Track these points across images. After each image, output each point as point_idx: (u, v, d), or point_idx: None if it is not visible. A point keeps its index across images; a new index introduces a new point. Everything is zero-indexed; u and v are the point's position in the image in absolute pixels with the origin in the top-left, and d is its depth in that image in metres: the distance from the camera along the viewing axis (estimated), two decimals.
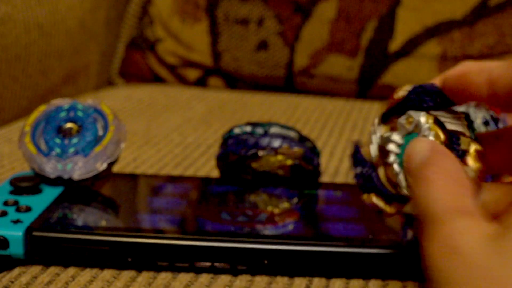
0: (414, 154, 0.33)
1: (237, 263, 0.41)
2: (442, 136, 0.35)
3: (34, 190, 0.46)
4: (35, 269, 0.41)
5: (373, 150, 0.37)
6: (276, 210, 0.48)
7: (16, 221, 0.42)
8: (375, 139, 0.38)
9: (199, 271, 0.42)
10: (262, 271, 0.42)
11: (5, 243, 0.41)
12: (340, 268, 0.41)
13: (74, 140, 0.48)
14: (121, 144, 0.49)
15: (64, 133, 0.49)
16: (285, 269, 0.41)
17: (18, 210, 0.43)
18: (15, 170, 0.58)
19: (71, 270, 0.41)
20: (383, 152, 0.37)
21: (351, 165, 0.38)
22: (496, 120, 0.46)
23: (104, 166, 0.48)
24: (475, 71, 0.35)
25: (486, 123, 0.46)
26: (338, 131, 0.73)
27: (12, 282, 0.40)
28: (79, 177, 0.47)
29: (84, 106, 0.50)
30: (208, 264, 0.41)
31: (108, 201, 0.49)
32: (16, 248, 0.41)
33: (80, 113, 0.49)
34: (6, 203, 0.44)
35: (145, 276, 0.41)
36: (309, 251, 0.41)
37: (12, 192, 0.46)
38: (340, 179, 0.58)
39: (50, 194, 0.46)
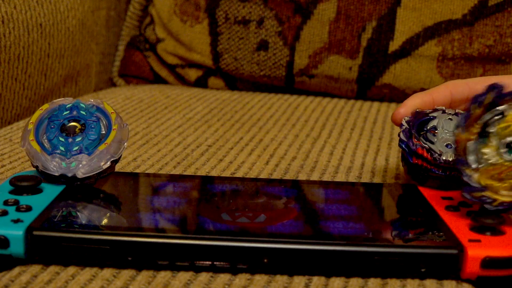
0: None
1: (236, 262, 0.41)
2: None
3: (34, 189, 0.46)
4: (35, 268, 0.41)
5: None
6: (276, 209, 0.48)
7: (16, 221, 0.42)
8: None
9: (198, 270, 0.42)
10: (262, 270, 0.42)
11: (6, 243, 0.41)
12: (339, 267, 0.41)
13: (78, 139, 0.48)
14: (124, 142, 0.49)
15: (67, 132, 0.49)
16: (284, 268, 0.42)
17: (19, 209, 0.43)
18: (15, 170, 0.58)
19: (71, 269, 0.41)
20: None
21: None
22: (457, 114, 0.54)
23: (108, 164, 0.48)
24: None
25: (450, 119, 0.54)
26: (338, 131, 0.73)
27: (12, 281, 0.40)
28: (83, 175, 0.47)
29: (86, 105, 0.50)
30: (208, 263, 0.41)
31: (108, 201, 0.49)
32: (17, 248, 0.41)
33: (83, 112, 0.50)
34: (6, 203, 0.44)
35: (144, 275, 0.41)
36: (308, 249, 0.41)
37: (12, 192, 0.46)
38: (340, 178, 0.58)
39: (50, 193, 0.46)
